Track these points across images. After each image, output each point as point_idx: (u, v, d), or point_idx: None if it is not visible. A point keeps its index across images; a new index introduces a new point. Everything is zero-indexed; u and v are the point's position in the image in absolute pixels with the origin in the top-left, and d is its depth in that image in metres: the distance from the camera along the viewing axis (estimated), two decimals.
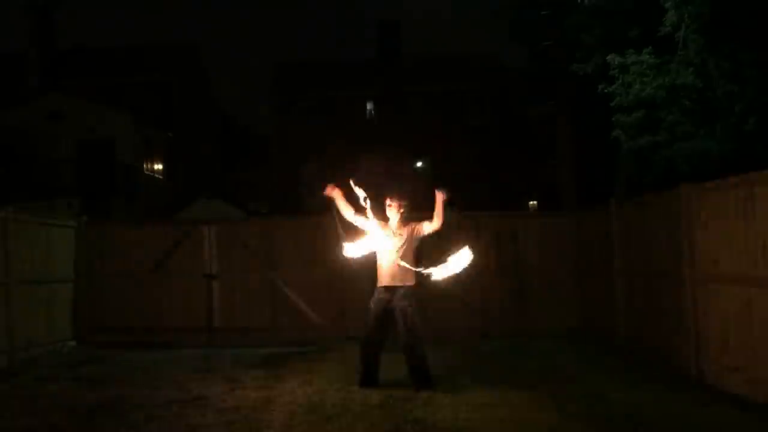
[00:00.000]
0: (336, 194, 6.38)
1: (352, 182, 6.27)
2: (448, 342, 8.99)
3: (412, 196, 6.62)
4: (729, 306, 6.03)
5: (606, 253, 8.94)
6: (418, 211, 6.84)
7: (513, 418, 5.31)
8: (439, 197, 6.26)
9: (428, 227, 6.40)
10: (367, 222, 6.36)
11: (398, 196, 6.49)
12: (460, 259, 6.25)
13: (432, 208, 6.35)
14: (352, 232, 6.52)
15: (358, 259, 6.46)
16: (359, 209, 6.36)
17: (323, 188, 6.42)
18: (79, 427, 5.34)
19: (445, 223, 6.41)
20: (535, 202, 24.92)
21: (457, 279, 9.98)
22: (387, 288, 6.33)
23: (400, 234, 6.39)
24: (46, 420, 5.51)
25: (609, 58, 10.07)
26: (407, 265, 6.30)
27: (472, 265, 9.82)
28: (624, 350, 8.23)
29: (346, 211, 6.38)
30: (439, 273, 6.25)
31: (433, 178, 27.28)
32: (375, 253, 6.46)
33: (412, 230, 6.43)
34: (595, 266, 9.46)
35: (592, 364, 7.61)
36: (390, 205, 6.47)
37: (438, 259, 9.69)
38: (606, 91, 10.27)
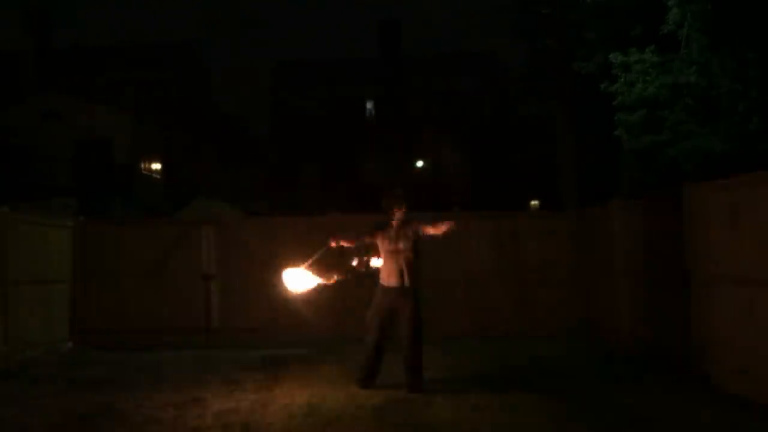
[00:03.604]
0: (337, 243, 6.44)
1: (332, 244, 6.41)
2: (448, 342, 8.91)
3: (408, 196, 6.59)
4: (733, 306, 5.96)
5: (608, 253, 8.87)
6: (419, 210, 6.78)
7: (514, 421, 5.25)
8: (444, 226, 6.27)
9: (430, 230, 6.37)
10: (370, 239, 6.45)
11: (396, 197, 6.45)
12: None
13: (438, 210, 6.35)
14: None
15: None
16: (359, 237, 6.49)
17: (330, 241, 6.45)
18: (76, 429, 5.26)
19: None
20: (536, 202, 24.84)
21: (457, 279, 9.97)
22: (394, 289, 6.27)
23: (404, 234, 6.33)
24: (43, 422, 5.45)
25: (611, 56, 10.00)
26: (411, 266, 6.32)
27: (473, 265, 9.89)
28: (626, 351, 8.15)
29: (352, 248, 6.50)
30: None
31: (433, 177, 27.29)
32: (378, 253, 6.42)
33: (415, 230, 6.38)
34: (597, 266, 9.40)
35: (593, 365, 7.54)
36: (391, 206, 6.42)
37: (445, 264, 9.66)
38: (608, 89, 10.21)
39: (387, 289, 6.30)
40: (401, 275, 6.26)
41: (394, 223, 6.40)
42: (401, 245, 6.31)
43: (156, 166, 25.86)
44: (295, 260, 9.66)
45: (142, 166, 24.71)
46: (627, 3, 10.68)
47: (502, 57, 26.44)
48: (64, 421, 5.47)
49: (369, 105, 28.94)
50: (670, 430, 5.05)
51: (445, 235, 6.36)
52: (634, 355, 7.89)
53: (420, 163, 28.54)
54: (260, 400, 6.06)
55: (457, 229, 6.33)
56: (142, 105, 25.12)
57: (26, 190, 18.56)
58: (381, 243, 6.39)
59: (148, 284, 9.92)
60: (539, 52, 14.82)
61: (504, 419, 5.29)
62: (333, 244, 6.42)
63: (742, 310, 5.82)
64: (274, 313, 9.93)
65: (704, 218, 6.48)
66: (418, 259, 6.44)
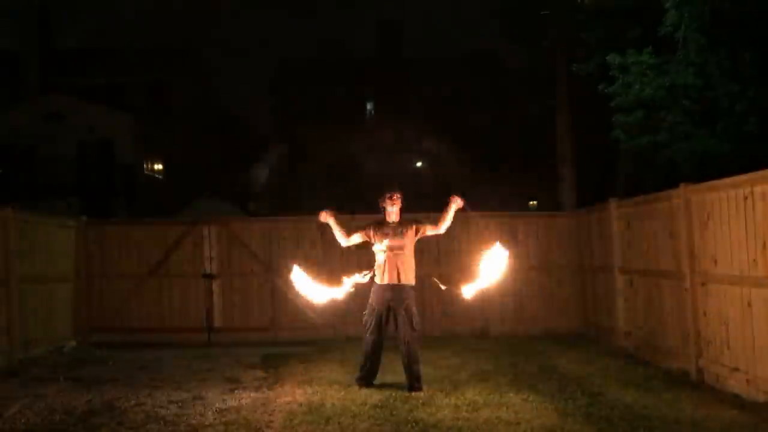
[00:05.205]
0: (329, 219, 6.47)
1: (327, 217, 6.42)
2: (448, 342, 8.97)
3: (408, 196, 6.67)
4: (729, 306, 6.02)
5: (606, 252, 8.93)
6: (424, 211, 6.85)
7: (513, 419, 5.29)
8: (453, 204, 6.32)
9: (431, 231, 6.49)
10: (364, 234, 6.48)
11: (392, 193, 6.50)
12: (494, 264, 6.20)
13: (438, 210, 6.41)
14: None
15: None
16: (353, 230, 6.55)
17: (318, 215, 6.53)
18: (78, 428, 5.31)
19: (451, 224, 6.46)
20: (535, 202, 24.89)
21: (456, 278, 9.99)
22: (390, 287, 6.31)
23: (401, 232, 6.38)
24: (46, 420, 5.50)
25: (609, 57, 10.05)
26: (411, 265, 6.39)
27: (472, 265, 9.92)
28: (624, 350, 8.22)
29: (340, 235, 6.50)
30: (471, 290, 6.28)
31: (432, 177, 27.34)
32: (374, 251, 6.46)
33: (415, 229, 6.44)
34: (596, 266, 9.45)
35: (591, 364, 7.58)
36: (388, 203, 6.46)
37: (444, 260, 9.71)
38: (606, 91, 10.26)
39: (383, 287, 6.33)
40: (397, 273, 6.29)
41: (391, 220, 6.46)
42: (398, 242, 6.33)
43: (158, 166, 25.93)
44: (295, 260, 9.72)
45: (145, 166, 24.78)
46: (624, 5, 10.74)
47: (502, 58, 26.42)
48: (66, 419, 5.51)
49: (369, 105, 29.00)
50: (665, 429, 5.09)
51: (447, 226, 6.38)
52: (632, 354, 7.95)
53: (420, 163, 28.58)
54: (261, 399, 6.11)
55: (452, 226, 6.42)
56: (144, 106, 25.17)
57: (29, 191, 18.66)
58: (376, 240, 6.38)
59: (150, 283, 10.00)
60: (539, 53, 14.89)
61: (503, 418, 5.33)
62: (323, 217, 6.44)
63: (739, 309, 5.88)
64: (275, 312, 10.02)
65: (694, 219, 6.56)
66: (414, 257, 6.48)
